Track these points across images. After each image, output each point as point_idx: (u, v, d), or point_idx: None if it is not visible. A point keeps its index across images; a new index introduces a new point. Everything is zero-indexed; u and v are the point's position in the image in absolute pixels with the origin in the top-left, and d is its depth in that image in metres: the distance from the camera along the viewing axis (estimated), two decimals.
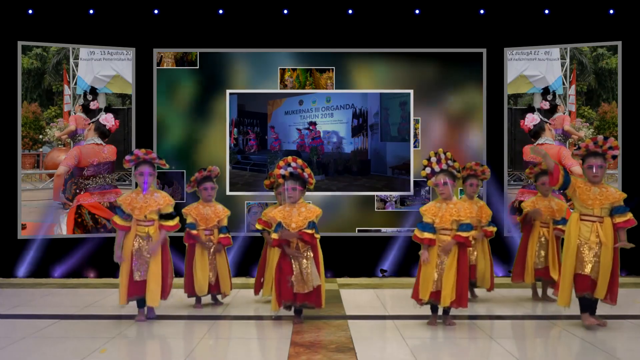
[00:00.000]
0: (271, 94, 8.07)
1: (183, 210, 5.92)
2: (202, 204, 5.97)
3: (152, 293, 5.24)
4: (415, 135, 8.04)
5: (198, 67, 8.06)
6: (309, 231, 5.12)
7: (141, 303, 5.34)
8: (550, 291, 6.29)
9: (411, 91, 8.03)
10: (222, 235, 5.99)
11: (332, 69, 8.06)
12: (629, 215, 5.03)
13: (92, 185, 7.90)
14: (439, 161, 5.16)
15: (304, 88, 8.08)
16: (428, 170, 5.20)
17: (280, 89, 8.07)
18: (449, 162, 5.16)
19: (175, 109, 8.05)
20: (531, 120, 8.02)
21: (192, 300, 6.02)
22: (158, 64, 8.05)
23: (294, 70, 8.06)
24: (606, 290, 4.97)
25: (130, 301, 5.31)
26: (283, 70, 8.06)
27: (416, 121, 8.05)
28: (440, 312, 5.20)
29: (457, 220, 5.05)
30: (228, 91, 8.04)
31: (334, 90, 8.06)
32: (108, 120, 7.94)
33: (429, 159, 5.20)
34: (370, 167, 8.05)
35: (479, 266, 6.18)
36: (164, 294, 5.37)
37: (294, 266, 5.14)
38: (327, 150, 8.03)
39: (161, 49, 8.06)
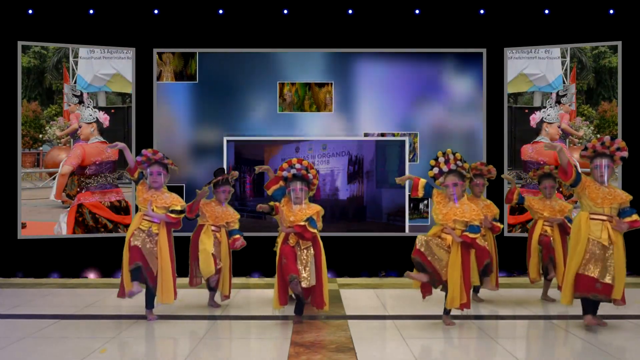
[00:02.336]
0: (268, 141, 7.97)
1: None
2: (216, 202, 6.03)
3: (167, 290, 5.27)
4: (414, 149, 8.00)
5: (197, 82, 8.05)
6: (302, 223, 5.15)
7: (150, 304, 5.36)
8: (551, 291, 6.30)
9: (406, 139, 7.99)
10: (236, 236, 6.01)
11: (331, 83, 8.05)
12: (635, 217, 5.06)
13: (94, 184, 7.90)
14: (447, 161, 5.15)
15: (302, 103, 8.01)
16: (436, 170, 5.18)
17: (280, 104, 8.01)
18: (459, 162, 5.15)
19: (175, 117, 8.08)
20: (533, 119, 8.05)
21: (192, 300, 6.04)
22: (157, 78, 8.04)
23: (292, 84, 8.03)
24: (622, 290, 4.99)
25: (132, 269, 5.23)
26: (282, 85, 8.04)
27: (414, 135, 8.02)
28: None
29: (461, 221, 5.04)
30: (225, 138, 7.94)
31: (330, 138, 7.95)
32: (104, 117, 7.97)
33: (436, 159, 5.19)
34: (366, 214, 8.03)
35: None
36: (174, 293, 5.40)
37: (297, 251, 5.17)
38: (323, 196, 7.93)
39: (161, 48, 8.07)
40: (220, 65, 8.06)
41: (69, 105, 7.92)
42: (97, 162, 7.89)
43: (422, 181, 5.21)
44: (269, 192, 5.51)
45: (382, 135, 8.01)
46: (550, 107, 7.99)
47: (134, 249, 5.25)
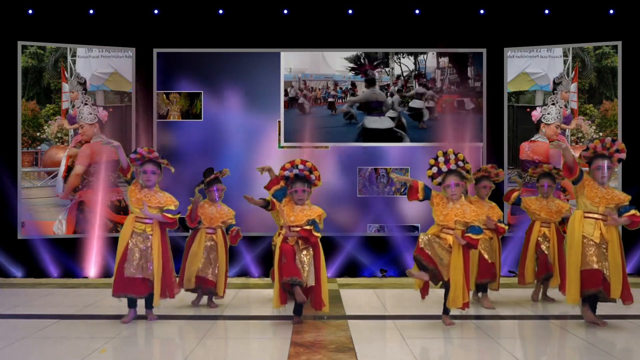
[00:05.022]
0: None
1: (188, 208, 5.91)
2: (209, 203, 6.01)
3: (154, 292, 5.26)
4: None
5: (202, 120, 8.08)
6: (308, 227, 5.15)
7: (132, 303, 5.33)
8: (550, 291, 6.30)
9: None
10: (233, 229, 6.03)
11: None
12: (634, 211, 5.08)
13: (96, 182, 7.90)
14: (447, 161, 5.12)
15: None
16: (435, 169, 5.15)
17: (279, 140, 8.05)
18: (460, 162, 5.12)
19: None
20: (534, 115, 8.04)
21: (191, 300, 6.04)
22: (165, 117, 8.06)
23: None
24: (621, 290, 5.00)
25: (118, 297, 5.27)
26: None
27: (406, 170, 8.03)
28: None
29: (462, 222, 5.04)
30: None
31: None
32: (103, 115, 7.95)
33: (436, 159, 5.16)
34: None
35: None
36: (170, 292, 5.38)
37: (296, 251, 5.17)
38: None
39: (161, 48, 8.06)
40: (223, 104, 8.11)
41: (72, 93, 7.91)
42: (110, 160, 7.89)
43: (421, 183, 5.16)
44: (270, 192, 5.46)
45: (376, 171, 8.07)
46: (553, 104, 7.98)
47: (127, 281, 5.22)
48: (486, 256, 5.95)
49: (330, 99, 8.11)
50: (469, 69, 8.10)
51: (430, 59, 8.12)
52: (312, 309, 5.31)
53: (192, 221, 5.83)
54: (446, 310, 5.16)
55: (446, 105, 8.07)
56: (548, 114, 8.00)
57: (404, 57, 8.11)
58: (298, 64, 8.14)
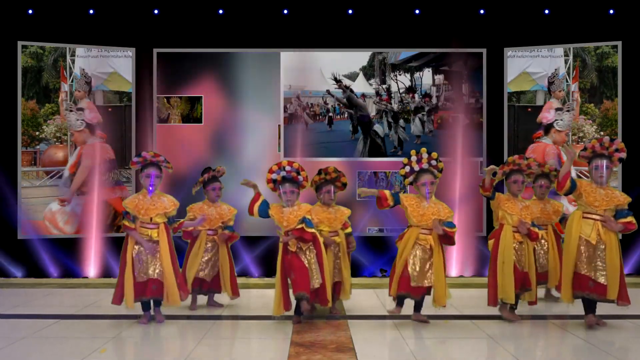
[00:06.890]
0: None
1: (187, 209, 5.92)
2: (208, 204, 5.96)
3: (172, 294, 5.24)
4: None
5: (203, 124, 8.06)
6: (299, 226, 5.17)
7: (146, 306, 5.33)
8: (551, 290, 6.30)
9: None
10: (225, 231, 5.98)
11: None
12: (630, 219, 5.08)
13: (110, 181, 7.90)
14: (419, 160, 5.28)
15: None
16: (407, 169, 5.32)
17: (279, 144, 7.98)
18: (432, 161, 5.28)
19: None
20: (545, 117, 7.99)
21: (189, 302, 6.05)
22: (165, 120, 8.05)
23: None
24: (617, 291, 5.00)
25: (136, 302, 5.27)
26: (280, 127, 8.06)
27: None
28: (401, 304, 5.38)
29: (438, 219, 5.19)
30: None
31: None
32: (92, 117, 7.91)
33: (409, 158, 5.31)
34: None
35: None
36: (184, 293, 5.38)
37: (302, 259, 5.19)
38: None
39: (161, 48, 8.06)
40: (222, 105, 8.07)
41: (78, 92, 7.90)
42: (108, 160, 7.88)
43: (387, 192, 5.37)
44: (255, 212, 5.36)
45: (375, 174, 8.06)
46: (567, 110, 7.94)
47: (140, 286, 5.22)
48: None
49: (329, 114, 8.11)
50: (463, 85, 8.10)
51: (427, 76, 8.12)
52: (318, 307, 5.35)
53: (188, 236, 5.93)
54: (418, 308, 5.32)
55: (442, 122, 8.08)
56: (562, 120, 7.95)
57: (400, 75, 8.11)
58: (297, 80, 8.10)
